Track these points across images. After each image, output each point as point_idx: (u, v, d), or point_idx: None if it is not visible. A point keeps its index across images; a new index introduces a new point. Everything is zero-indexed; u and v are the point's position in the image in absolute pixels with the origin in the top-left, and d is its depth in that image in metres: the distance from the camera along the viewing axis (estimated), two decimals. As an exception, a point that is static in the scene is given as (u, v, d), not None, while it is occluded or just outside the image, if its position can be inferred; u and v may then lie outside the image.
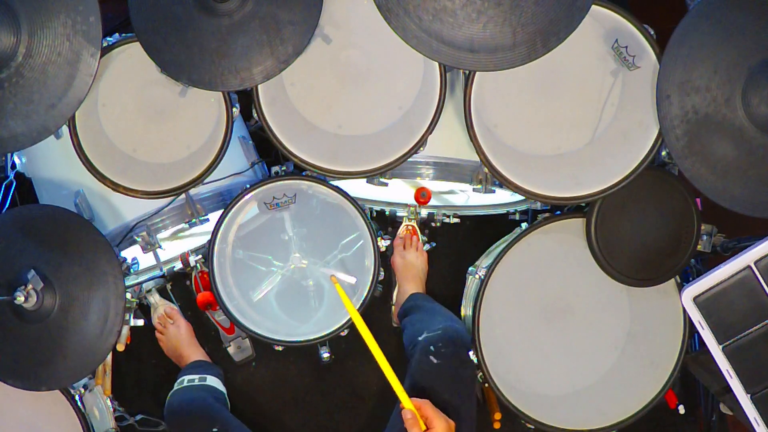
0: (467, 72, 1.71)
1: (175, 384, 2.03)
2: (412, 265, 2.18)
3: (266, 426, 2.26)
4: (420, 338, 1.82)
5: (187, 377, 2.05)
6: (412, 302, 2.08)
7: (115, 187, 1.81)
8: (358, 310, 1.93)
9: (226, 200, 1.94)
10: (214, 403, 2.00)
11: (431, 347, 1.77)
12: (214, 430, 1.90)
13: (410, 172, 1.94)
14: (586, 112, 1.80)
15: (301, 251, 2.00)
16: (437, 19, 1.58)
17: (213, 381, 2.08)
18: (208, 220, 1.92)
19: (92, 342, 1.68)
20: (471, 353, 1.90)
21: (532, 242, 1.89)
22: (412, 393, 1.73)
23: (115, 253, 1.71)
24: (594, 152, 1.81)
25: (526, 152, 1.84)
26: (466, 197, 2.20)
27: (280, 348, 1.97)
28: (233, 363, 2.27)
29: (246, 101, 1.81)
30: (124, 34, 1.78)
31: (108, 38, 1.78)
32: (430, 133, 1.80)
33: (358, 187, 2.00)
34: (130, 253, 1.93)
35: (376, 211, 2.22)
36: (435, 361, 1.76)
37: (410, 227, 2.22)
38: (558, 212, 1.92)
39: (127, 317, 1.78)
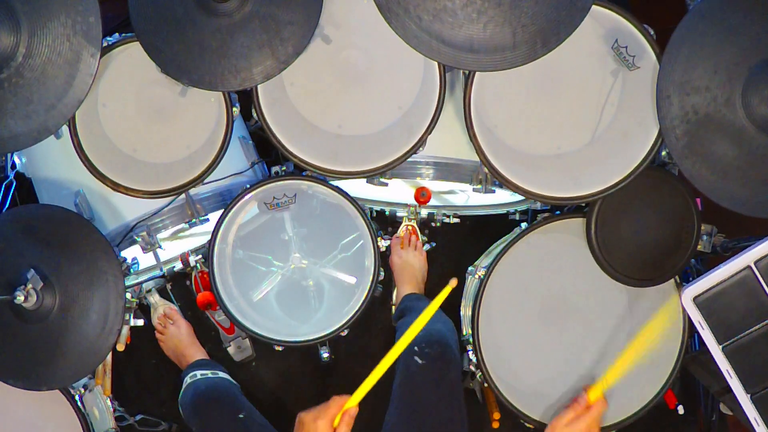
0: (467, 72, 1.71)
1: (187, 378, 2.01)
2: (410, 265, 2.18)
3: (266, 426, 2.26)
4: None
5: (199, 372, 2.03)
6: (405, 303, 2.07)
7: (115, 187, 1.81)
8: (358, 310, 1.93)
9: (226, 200, 1.93)
10: (237, 391, 2.01)
11: (415, 348, 1.77)
12: (241, 416, 1.90)
13: (410, 172, 1.94)
14: (586, 112, 1.79)
15: (301, 251, 2.00)
16: (437, 19, 1.57)
17: (225, 375, 2.08)
18: (208, 220, 1.92)
19: (92, 342, 1.68)
20: (470, 353, 1.90)
21: (531, 242, 1.89)
22: (398, 394, 1.75)
23: (115, 253, 1.71)
24: (594, 152, 1.81)
25: (526, 152, 1.83)
26: (466, 197, 2.19)
27: (280, 348, 1.97)
28: (233, 363, 2.27)
29: (246, 101, 1.81)
30: (124, 34, 1.78)
31: (108, 38, 1.78)
32: (430, 133, 1.80)
33: (358, 187, 2.00)
34: (130, 253, 1.93)
35: (376, 211, 2.22)
36: (420, 361, 1.76)
37: (410, 227, 2.21)
38: (558, 212, 1.92)
39: (127, 317, 1.78)
